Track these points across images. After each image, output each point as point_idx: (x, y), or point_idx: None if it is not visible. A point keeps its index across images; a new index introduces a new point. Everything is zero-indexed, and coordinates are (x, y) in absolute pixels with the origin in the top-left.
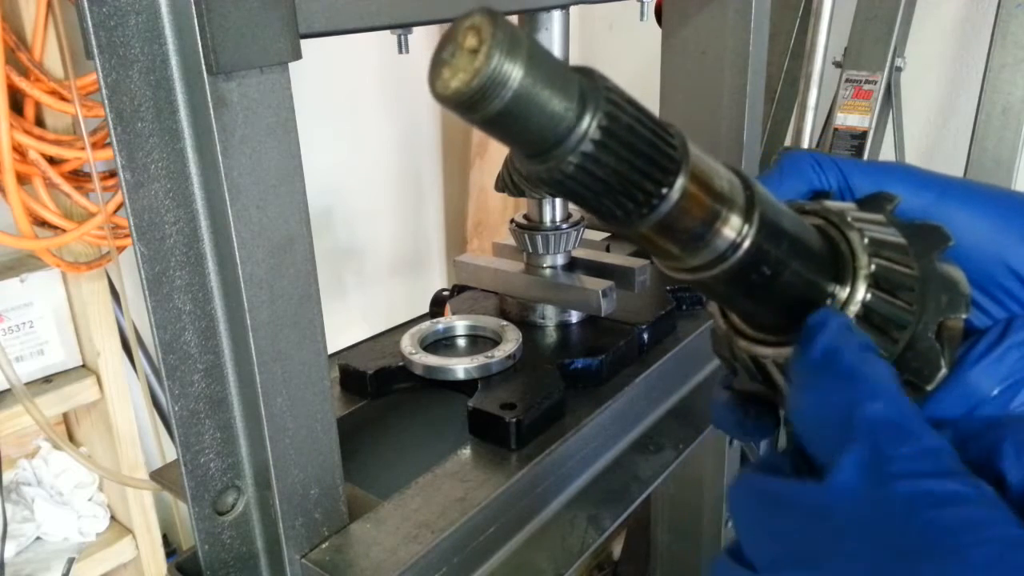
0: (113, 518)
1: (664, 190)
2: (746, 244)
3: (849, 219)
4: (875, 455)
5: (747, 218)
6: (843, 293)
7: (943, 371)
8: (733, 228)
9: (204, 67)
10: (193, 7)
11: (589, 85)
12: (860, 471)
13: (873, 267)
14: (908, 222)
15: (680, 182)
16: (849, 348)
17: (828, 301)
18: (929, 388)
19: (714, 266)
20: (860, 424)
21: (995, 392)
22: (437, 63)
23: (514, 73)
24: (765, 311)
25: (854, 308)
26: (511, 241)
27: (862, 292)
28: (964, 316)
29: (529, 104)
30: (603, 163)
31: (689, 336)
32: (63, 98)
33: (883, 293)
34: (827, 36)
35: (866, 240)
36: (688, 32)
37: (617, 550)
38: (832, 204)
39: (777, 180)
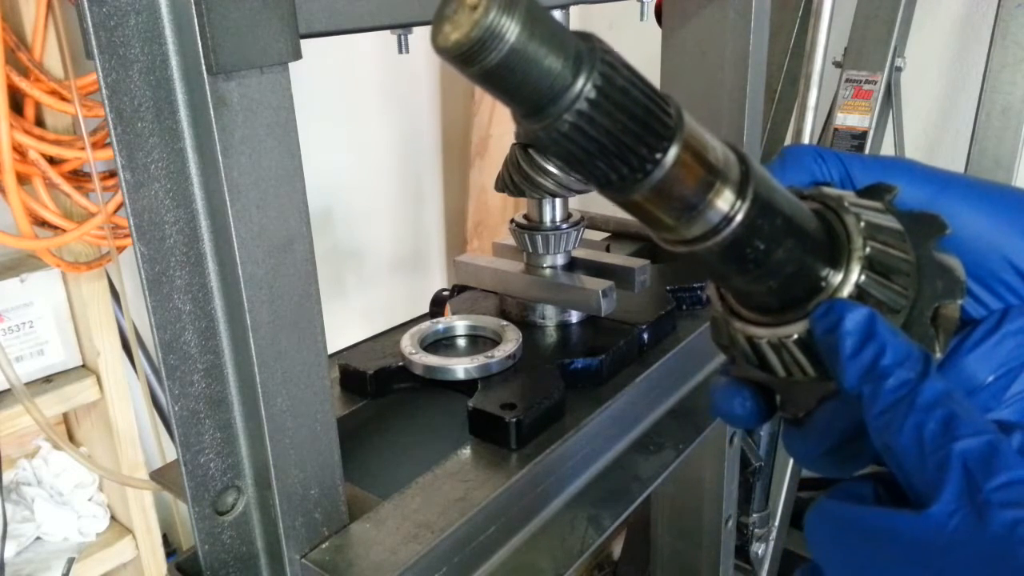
0: (113, 518)
1: (658, 155)
2: (739, 217)
3: (846, 204)
4: (972, 486)
5: (741, 192)
6: (838, 275)
7: (938, 356)
8: (726, 201)
9: (204, 67)
10: (193, 7)
11: (586, 46)
12: (959, 502)
13: (868, 250)
14: (906, 211)
15: (675, 149)
16: (930, 381)
17: (822, 282)
18: None
19: (708, 238)
20: (956, 457)
21: (990, 379)
22: (439, 18)
23: (511, 27)
24: (760, 289)
25: (848, 290)
26: (511, 241)
27: (856, 274)
28: (959, 302)
29: (526, 59)
30: (598, 123)
31: (689, 336)
32: (63, 98)
33: (878, 276)
34: (827, 36)
35: (862, 224)
36: (688, 32)
37: (617, 550)
38: (830, 190)
39: (779, 171)
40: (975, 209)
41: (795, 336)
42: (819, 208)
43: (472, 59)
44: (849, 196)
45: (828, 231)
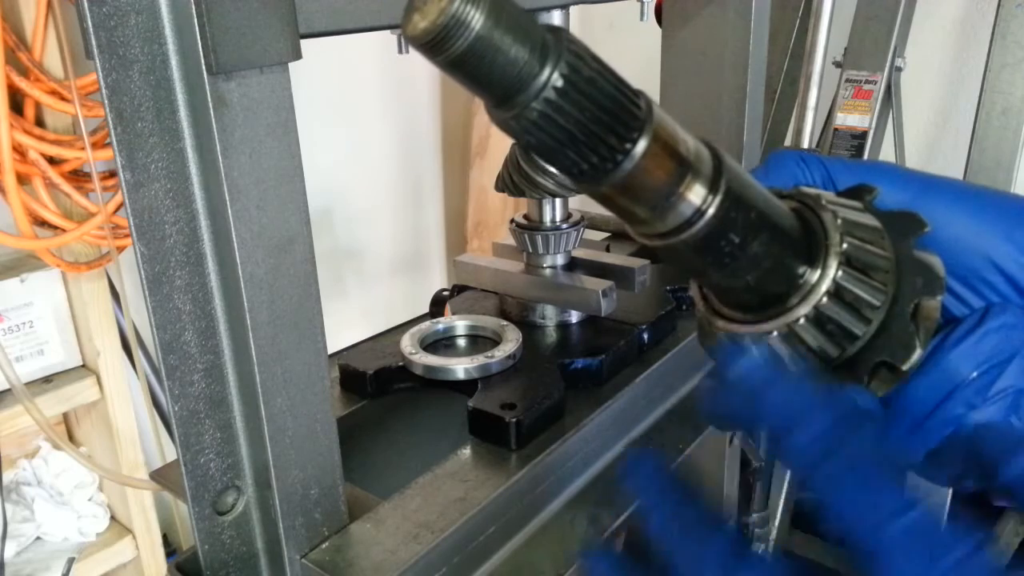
0: (113, 518)
1: (628, 145)
2: (711, 210)
3: (823, 201)
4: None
5: (713, 185)
6: (815, 271)
7: (918, 351)
8: (698, 194)
9: (204, 67)
10: (193, 7)
11: (553, 37)
12: None
13: (845, 246)
14: (885, 211)
15: (644, 140)
16: (866, 451)
17: (800, 279)
18: (905, 368)
19: (682, 231)
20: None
21: (973, 375)
22: (410, 9)
23: (476, 16)
24: (738, 286)
25: (826, 285)
26: (511, 241)
27: (834, 269)
28: (939, 298)
29: (492, 47)
30: (566, 112)
31: (689, 336)
32: (63, 98)
33: (855, 272)
34: (827, 36)
35: (839, 220)
36: (688, 32)
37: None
38: (808, 189)
39: (762, 175)
40: (956, 210)
41: (775, 333)
42: (797, 207)
43: (439, 47)
44: (827, 195)
45: (805, 228)
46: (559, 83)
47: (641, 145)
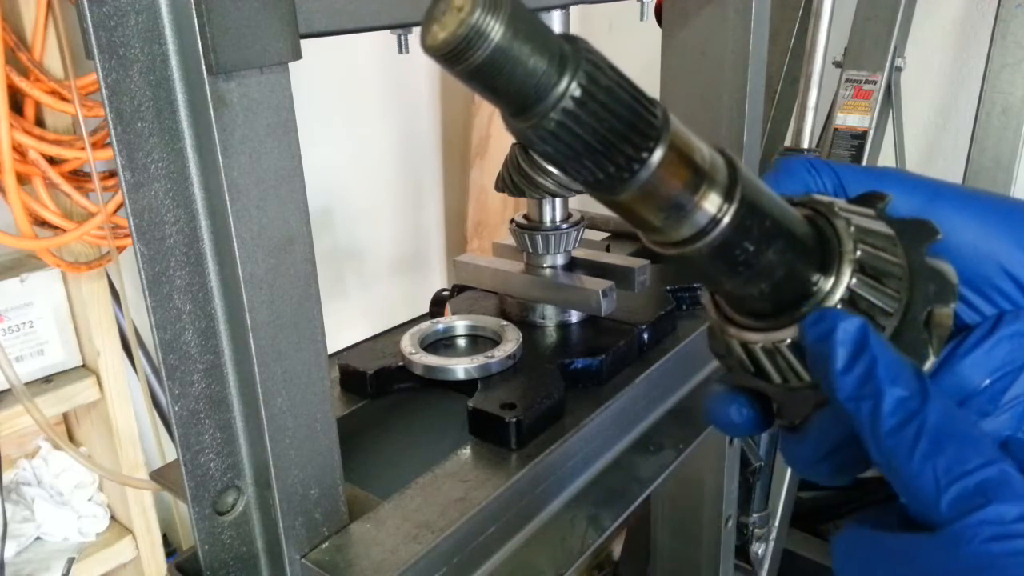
0: (113, 518)
1: (644, 154)
2: (727, 219)
3: (836, 209)
4: (994, 519)
5: (728, 194)
6: (829, 278)
7: (931, 359)
8: (713, 203)
9: (204, 67)
10: (193, 7)
11: (571, 48)
12: (979, 533)
13: (859, 253)
14: (897, 218)
15: (661, 149)
16: (933, 402)
17: (814, 286)
18: None
19: (696, 240)
20: (975, 490)
21: (985, 383)
22: (428, 19)
23: (495, 27)
24: (752, 293)
25: (840, 292)
26: (511, 241)
27: (848, 277)
28: (952, 306)
29: (511, 58)
30: (584, 122)
31: (689, 336)
32: (63, 98)
33: (869, 279)
34: (827, 36)
35: (852, 228)
36: (688, 32)
37: (617, 550)
38: (820, 196)
39: (773, 183)
40: (967, 217)
41: (788, 340)
42: (810, 214)
43: (459, 57)
44: (840, 202)
45: (819, 236)
46: (577, 93)
47: (657, 154)
